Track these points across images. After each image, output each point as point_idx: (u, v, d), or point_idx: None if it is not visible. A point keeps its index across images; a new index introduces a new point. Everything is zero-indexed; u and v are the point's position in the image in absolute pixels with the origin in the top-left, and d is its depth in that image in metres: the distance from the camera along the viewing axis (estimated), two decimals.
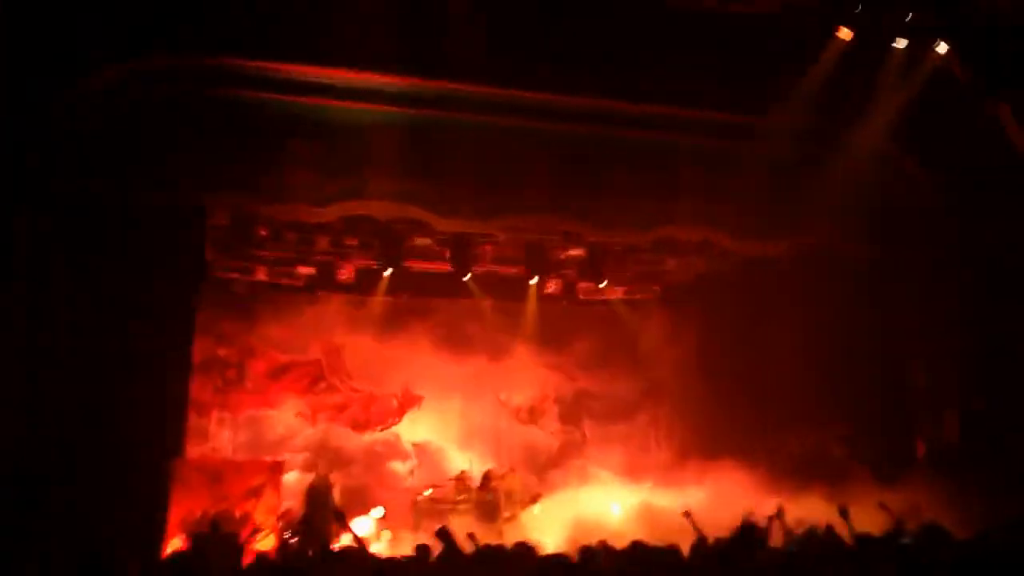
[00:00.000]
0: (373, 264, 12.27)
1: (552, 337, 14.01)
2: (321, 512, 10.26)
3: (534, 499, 11.75)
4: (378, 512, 11.19)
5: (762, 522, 6.24)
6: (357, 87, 9.99)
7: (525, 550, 6.13)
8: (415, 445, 13.23)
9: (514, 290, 13.41)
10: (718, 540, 5.49)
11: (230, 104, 9.97)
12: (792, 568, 2.91)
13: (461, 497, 11.88)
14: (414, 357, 13.54)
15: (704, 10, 9.59)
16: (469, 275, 12.58)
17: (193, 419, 11.99)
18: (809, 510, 7.15)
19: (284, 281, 12.59)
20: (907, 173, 11.56)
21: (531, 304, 13.59)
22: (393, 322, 13.49)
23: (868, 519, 6.77)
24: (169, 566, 5.43)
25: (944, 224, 11.42)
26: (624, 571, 4.57)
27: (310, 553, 7.37)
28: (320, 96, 10.05)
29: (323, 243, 11.92)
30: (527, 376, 14.02)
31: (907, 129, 10.61)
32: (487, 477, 11.91)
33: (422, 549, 5.58)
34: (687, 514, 5.64)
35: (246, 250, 11.83)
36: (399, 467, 12.98)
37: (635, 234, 11.65)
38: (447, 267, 12.44)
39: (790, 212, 11.25)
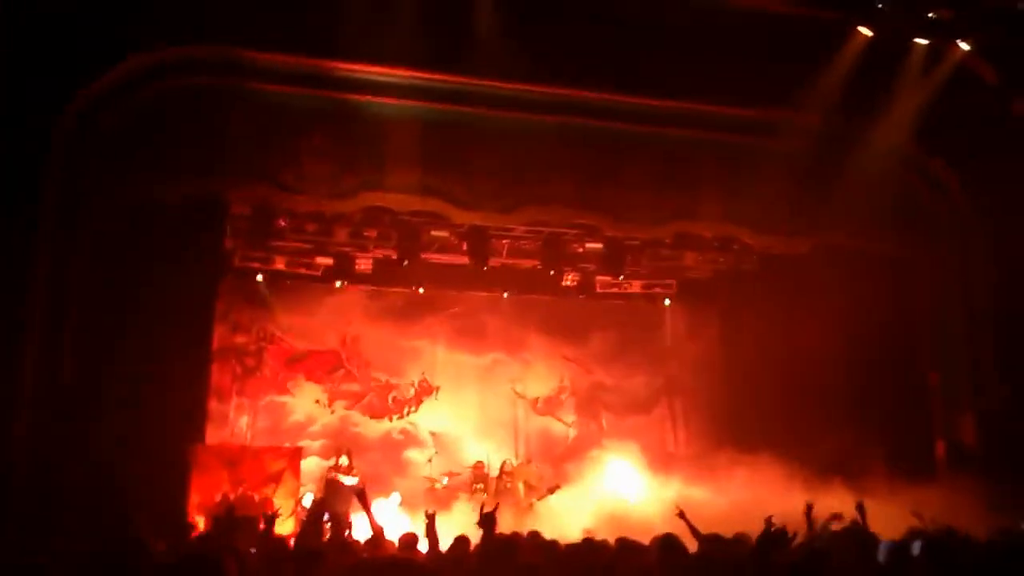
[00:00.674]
0: (391, 255, 12.34)
1: (569, 330, 14.03)
2: (339, 497, 10.36)
3: (551, 490, 11.82)
4: (395, 499, 11.30)
5: (782, 519, 6.27)
6: (378, 81, 10.05)
7: (541, 540, 6.20)
8: (432, 434, 13.33)
9: (531, 283, 13.45)
10: (737, 536, 5.51)
11: (251, 96, 10.04)
12: (817, 566, 2.94)
13: (478, 486, 12.00)
14: (431, 348, 13.63)
15: (727, 7, 9.57)
16: (486, 267, 12.64)
17: (213, 405, 12.15)
18: (826, 508, 7.13)
19: (303, 271, 12.68)
20: (931, 172, 11.51)
21: (548, 297, 13.61)
22: (410, 313, 13.59)
23: (885, 518, 6.78)
24: (192, 549, 5.53)
25: (968, 224, 11.36)
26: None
27: (326, 538, 7.48)
28: (341, 90, 10.11)
29: (342, 234, 12.00)
30: (544, 368, 14.07)
31: (932, 128, 10.54)
32: (504, 467, 11.99)
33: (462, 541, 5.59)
34: (681, 514, 5.65)
35: (265, 240, 11.92)
36: (416, 455, 13.08)
37: (655, 229, 11.65)
38: (465, 259, 12.50)
39: (812, 210, 11.23)
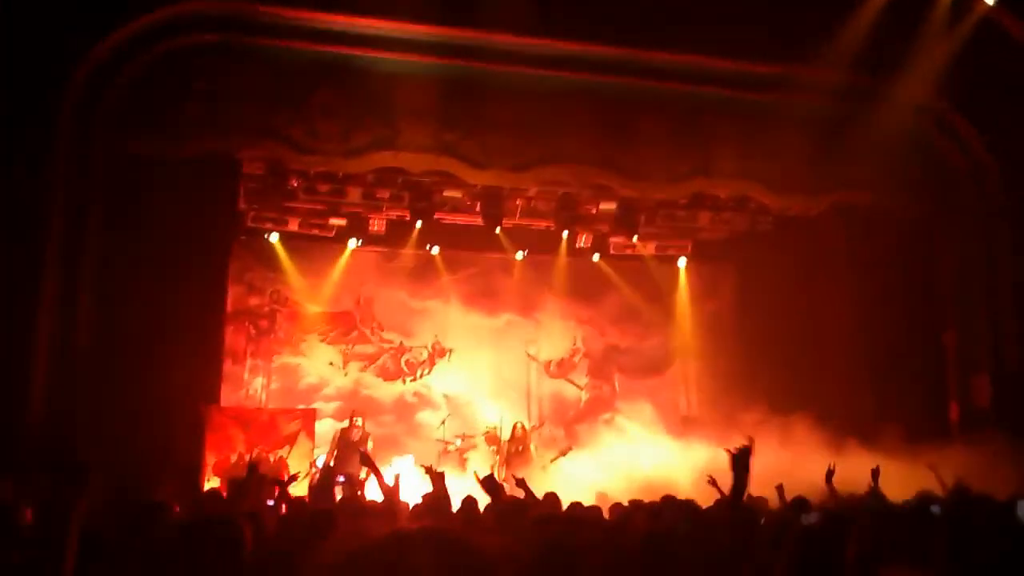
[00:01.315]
0: (404, 216, 12.27)
1: (583, 292, 13.96)
2: (353, 459, 10.42)
3: (563, 452, 11.84)
4: (408, 460, 11.36)
5: (796, 481, 6.23)
6: (391, 36, 9.91)
7: (555, 500, 6.20)
8: (446, 396, 13.35)
9: (545, 244, 13.36)
10: (752, 498, 5.47)
11: (264, 54, 9.95)
12: (837, 532, 2.90)
13: (491, 448, 12.06)
14: (444, 309, 13.60)
15: None
16: (500, 228, 12.56)
17: (227, 367, 12.20)
18: (842, 470, 7.09)
19: (316, 232, 12.64)
20: (953, 130, 11.28)
21: (562, 258, 13.53)
22: (423, 274, 13.53)
23: (900, 481, 6.73)
24: (209, 510, 5.55)
25: (990, 182, 11.16)
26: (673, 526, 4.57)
27: (338, 499, 7.52)
28: (354, 46, 9.98)
29: (354, 195, 11.93)
30: (557, 330, 14.02)
31: (955, 84, 10.30)
32: (516, 430, 12.03)
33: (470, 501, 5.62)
34: (712, 481, 5.59)
35: (279, 201, 11.88)
36: (430, 417, 13.12)
37: (670, 189, 11.51)
38: (478, 220, 12.42)
39: (830, 169, 11.06)
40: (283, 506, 6.21)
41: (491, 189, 11.79)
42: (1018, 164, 10.71)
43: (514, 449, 11.73)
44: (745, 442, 3.74)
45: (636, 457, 11.05)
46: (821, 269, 12.59)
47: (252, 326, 12.88)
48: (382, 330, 13.49)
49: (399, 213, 12.32)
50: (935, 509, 4.51)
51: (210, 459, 10.32)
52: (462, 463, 11.92)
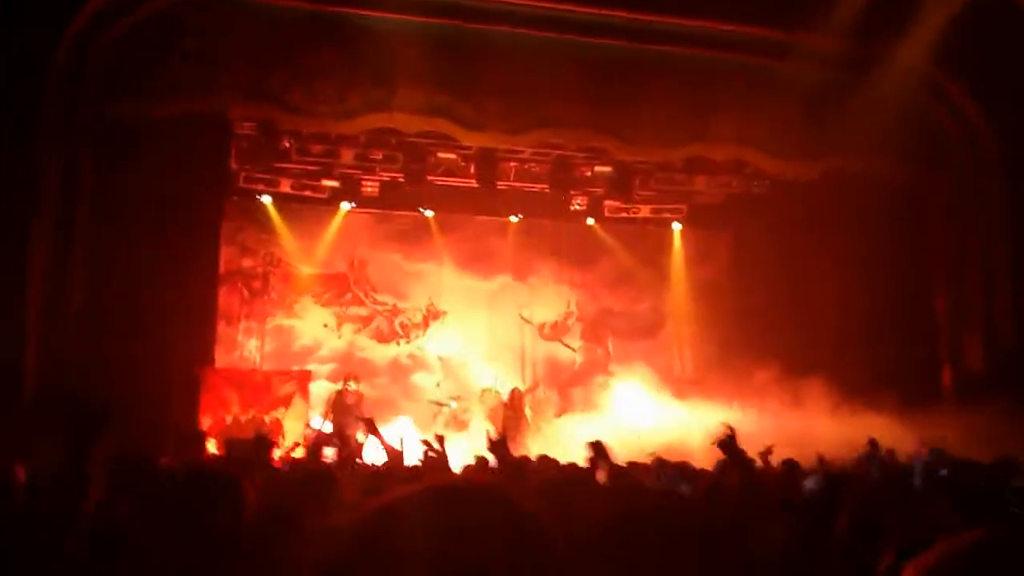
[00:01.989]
0: (398, 178, 12.18)
1: (577, 255, 13.94)
2: (349, 420, 10.45)
3: (558, 414, 11.92)
4: (405, 421, 11.41)
5: (788, 444, 6.30)
6: None
7: (550, 462, 6.25)
8: (440, 359, 13.37)
9: (539, 206, 13.30)
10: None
11: (256, 12, 9.77)
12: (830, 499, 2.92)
13: (486, 411, 12.11)
14: (438, 272, 13.57)
15: None
16: (494, 190, 12.49)
17: (221, 328, 12.17)
18: (836, 434, 7.18)
19: (308, 194, 12.54)
20: (949, 97, 11.23)
21: (556, 221, 13.48)
22: (417, 237, 13.47)
23: (892, 444, 6.82)
24: (208, 469, 5.55)
25: (985, 149, 11.14)
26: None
27: (333, 458, 7.54)
28: (348, 4, 9.81)
29: (347, 156, 11.83)
30: (551, 293, 14.03)
31: (952, 52, 10.22)
32: (512, 392, 12.08)
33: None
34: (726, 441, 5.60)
35: (271, 162, 11.77)
36: (424, 379, 13.16)
37: (666, 152, 11.46)
38: (472, 182, 12.34)
39: (826, 134, 11.01)
40: (280, 467, 6.23)
41: (485, 151, 11.71)
42: (1013, 130, 10.68)
43: (510, 412, 11.80)
44: (725, 430, 3.75)
45: (629, 419, 11.14)
46: (815, 233, 12.60)
47: (245, 288, 12.82)
48: (376, 292, 13.46)
49: (392, 175, 12.23)
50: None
51: (205, 421, 10.33)
52: (457, 425, 11.97)
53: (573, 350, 14.07)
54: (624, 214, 13.62)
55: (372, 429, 6.03)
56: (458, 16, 9.95)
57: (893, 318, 11.62)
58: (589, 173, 12.69)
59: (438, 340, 13.47)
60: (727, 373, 11.66)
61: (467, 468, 5.47)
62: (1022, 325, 10.79)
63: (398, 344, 13.37)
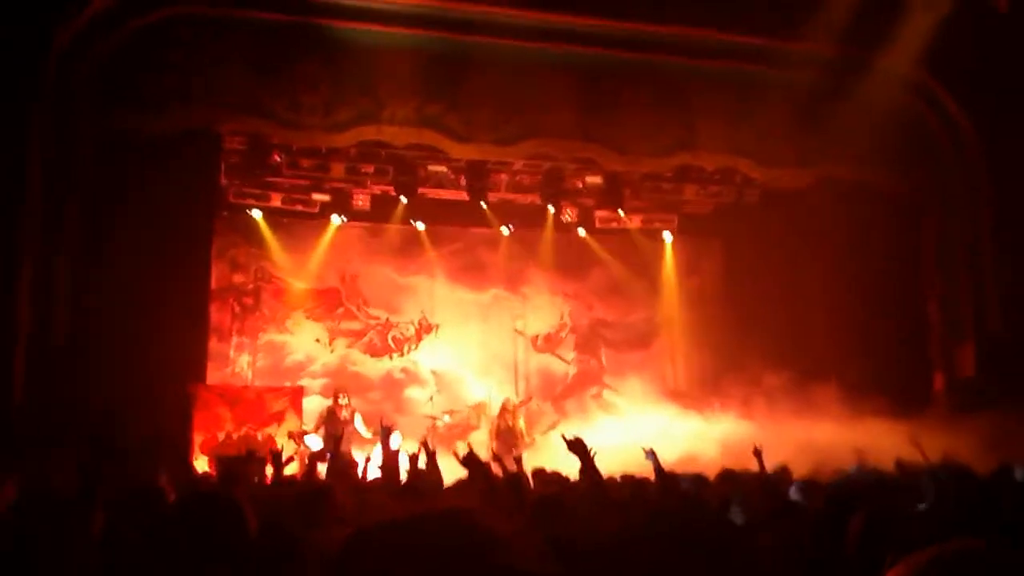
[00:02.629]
0: (389, 191, 12.18)
1: (569, 266, 13.95)
2: (342, 436, 10.39)
3: (551, 426, 11.89)
4: (396, 436, 11.33)
5: (783, 453, 6.29)
6: (374, 8, 9.76)
7: (545, 476, 6.22)
8: (433, 372, 13.33)
9: (531, 218, 13.32)
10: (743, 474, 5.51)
11: (244, 26, 9.78)
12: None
13: (479, 424, 12.08)
14: (430, 285, 13.55)
15: None
16: (485, 203, 12.50)
17: (213, 344, 12.11)
18: (826, 443, 7.18)
19: (299, 208, 12.52)
20: (937, 103, 11.31)
21: (548, 232, 13.49)
22: (409, 250, 13.45)
23: (884, 453, 6.81)
24: (200, 486, 5.51)
25: (974, 155, 11.21)
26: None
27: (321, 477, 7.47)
28: (335, 17, 9.83)
29: (338, 170, 11.83)
30: (544, 304, 14.01)
31: (939, 58, 10.31)
32: (504, 405, 12.05)
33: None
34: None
35: (261, 176, 11.75)
36: (417, 393, 13.11)
37: (656, 161, 11.50)
38: (463, 195, 12.34)
39: (816, 142, 11.07)
40: (274, 484, 6.18)
41: (476, 163, 11.73)
42: (1000, 136, 10.76)
43: (503, 425, 11.78)
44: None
45: (623, 431, 11.11)
46: (806, 240, 12.64)
47: (237, 303, 12.77)
48: (368, 306, 13.42)
49: (383, 188, 12.23)
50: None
51: (197, 438, 10.25)
52: (451, 438, 11.92)
53: (567, 362, 14.05)
54: (615, 224, 13.65)
55: (385, 438, 5.99)
56: (446, 28, 9.98)
57: (884, 324, 11.66)
58: (580, 184, 12.73)
59: (431, 353, 13.43)
60: (719, 383, 11.66)
61: (456, 484, 5.43)
62: (1013, 330, 10.84)
63: (391, 358, 13.33)
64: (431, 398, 12.80)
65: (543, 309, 14.00)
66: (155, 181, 10.07)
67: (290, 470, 8.02)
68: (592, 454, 4.45)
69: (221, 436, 10.26)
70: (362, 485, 5.83)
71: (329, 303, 13.25)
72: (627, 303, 14.22)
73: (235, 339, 12.60)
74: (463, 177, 12.14)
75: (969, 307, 11.41)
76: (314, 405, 11.78)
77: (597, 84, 10.83)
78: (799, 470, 5.95)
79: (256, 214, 12.53)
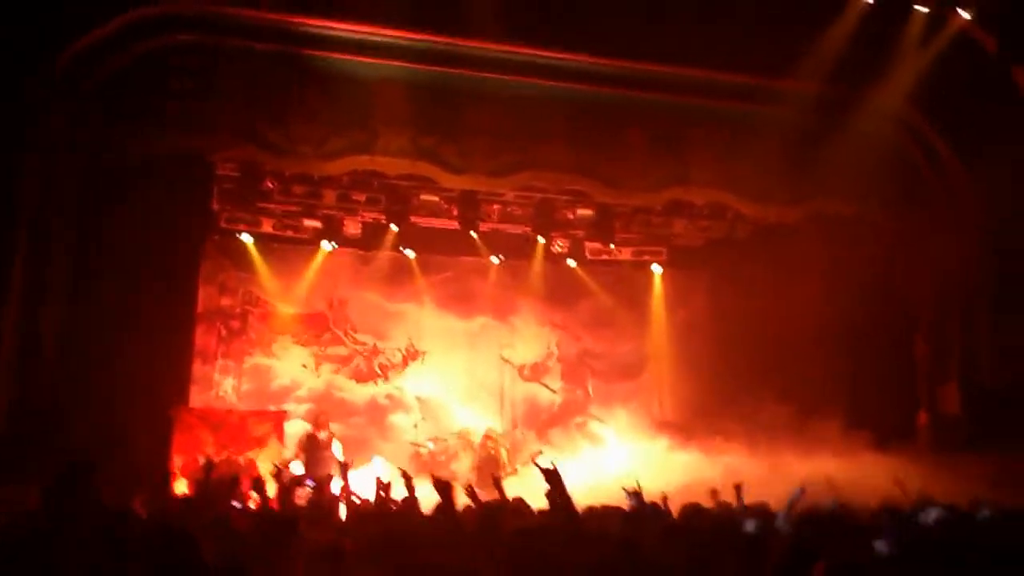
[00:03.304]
0: (380, 219, 12.23)
1: (558, 296, 13.98)
2: (321, 462, 10.35)
3: (535, 456, 11.81)
4: (378, 462, 11.29)
5: (762, 488, 6.27)
6: (369, 41, 9.90)
7: (524, 506, 6.18)
8: (419, 399, 13.30)
9: (521, 248, 13.36)
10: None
11: (239, 55, 9.87)
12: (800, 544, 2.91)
13: (463, 452, 12.02)
14: (419, 312, 13.56)
15: None
16: (475, 233, 12.56)
17: (197, 367, 12.07)
18: (811, 476, 7.15)
19: (290, 234, 12.56)
20: (927, 141, 11.44)
21: (537, 263, 13.54)
22: (398, 277, 13.47)
23: (867, 488, 6.80)
24: (172, 517, 5.48)
25: (963, 193, 11.32)
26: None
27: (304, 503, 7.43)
28: (331, 49, 9.95)
29: (330, 197, 11.88)
30: (532, 334, 14.02)
31: (929, 97, 10.45)
32: (487, 434, 12.01)
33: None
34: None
35: (253, 202, 11.78)
36: (402, 420, 13.06)
37: (647, 195, 11.57)
38: (454, 224, 12.39)
39: (806, 178, 11.17)
40: (252, 508, 6.14)
41: (468, 194, 11.78)
42: (990, 176, 10.86)
43: (485, 454, 11.72)
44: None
45: (608, 461, 11.08)
46: (795, 275, 12.70)
47: (223, 327, 12.75)
48: (356, 332, 13.42)
49: (375, 216, 12.27)
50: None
51: (178, 461, 10.19)
52: (435, 466, 11.85)
53: (553, 391, 14.03)
54: (605, 256, 13.70)
55: (344, 473, 5.99)
56: (439, 62, 10.09)
57: (872, 362, 11.68)
58: (571, 216, 12.79)
59: (417, 380, 13.41)
60: (707, 415, 11.65)
61: (434, 509, 5.41)
62: (999, 369, 10.87)
63: (376, 384, 13.30)
64: (415, 425, 12.75)
65: (531, 338, 14.01)
66: (147, 204, 10.12)
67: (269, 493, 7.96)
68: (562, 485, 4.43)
69: (202, 460, 10.15)
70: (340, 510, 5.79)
71: (316, 328, 13.24)
72: (615, 334, 14.24)
73: (220, 362, 12.56)
74: (455, 207, 12.19)
75: (957, 346, 11.44)
76: (296, 429, 11.73)
77: (590, 118, 10.94)
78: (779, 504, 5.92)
79: (247, 239, 12.56)
